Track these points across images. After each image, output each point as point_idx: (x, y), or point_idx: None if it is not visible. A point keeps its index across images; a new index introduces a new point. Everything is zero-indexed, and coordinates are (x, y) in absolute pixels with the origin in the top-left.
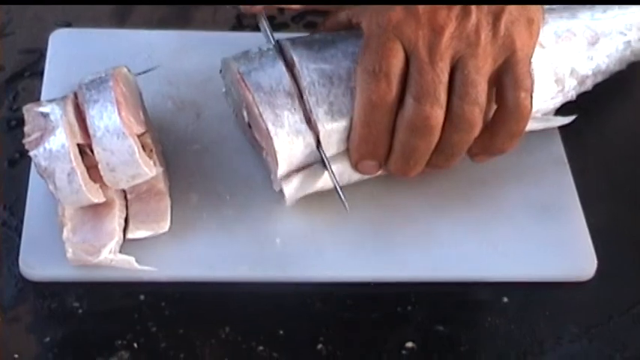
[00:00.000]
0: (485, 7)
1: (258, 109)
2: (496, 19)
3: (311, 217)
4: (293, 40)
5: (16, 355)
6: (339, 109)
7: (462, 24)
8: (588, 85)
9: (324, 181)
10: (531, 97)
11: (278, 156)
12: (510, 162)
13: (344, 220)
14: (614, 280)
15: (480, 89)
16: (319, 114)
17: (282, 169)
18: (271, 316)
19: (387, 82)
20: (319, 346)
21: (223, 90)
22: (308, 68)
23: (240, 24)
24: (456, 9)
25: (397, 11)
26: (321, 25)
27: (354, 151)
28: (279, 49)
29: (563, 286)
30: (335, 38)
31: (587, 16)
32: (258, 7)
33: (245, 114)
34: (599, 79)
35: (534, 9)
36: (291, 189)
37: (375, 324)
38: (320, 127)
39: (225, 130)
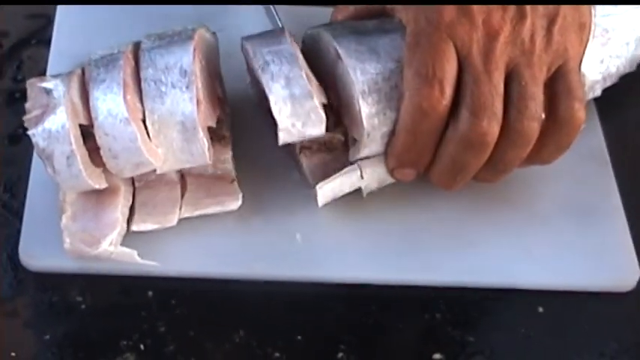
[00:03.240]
0: (540, 9)
1: None
2: (550, 23)
3: (335, 212)
4: (335, 36)
5: (13, 354)
6: (385, 113)
7: (517, 28)
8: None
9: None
10: (584, 107)
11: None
12: None
13: (370, 218)
14: None
15: (539, 102)
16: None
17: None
18: (289, 319)
19: (441, 89)
20: (339, 354)
21: (248, 81)
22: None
23: None
24: (511, 10)
25: (450, 9)
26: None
27: (394, 157)
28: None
29: (602, 297)
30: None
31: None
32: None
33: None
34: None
35: (586, 13)
36: (326, 191)
37: (401, 332)
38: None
39: (247, 114)
